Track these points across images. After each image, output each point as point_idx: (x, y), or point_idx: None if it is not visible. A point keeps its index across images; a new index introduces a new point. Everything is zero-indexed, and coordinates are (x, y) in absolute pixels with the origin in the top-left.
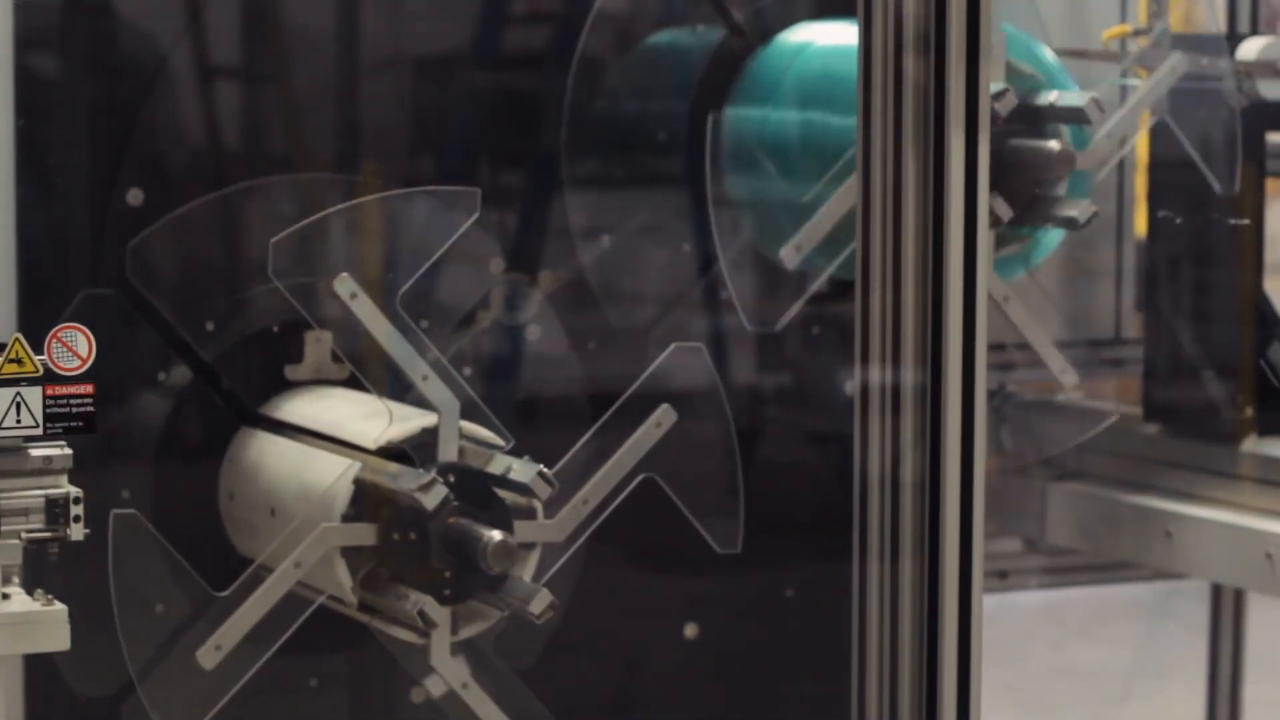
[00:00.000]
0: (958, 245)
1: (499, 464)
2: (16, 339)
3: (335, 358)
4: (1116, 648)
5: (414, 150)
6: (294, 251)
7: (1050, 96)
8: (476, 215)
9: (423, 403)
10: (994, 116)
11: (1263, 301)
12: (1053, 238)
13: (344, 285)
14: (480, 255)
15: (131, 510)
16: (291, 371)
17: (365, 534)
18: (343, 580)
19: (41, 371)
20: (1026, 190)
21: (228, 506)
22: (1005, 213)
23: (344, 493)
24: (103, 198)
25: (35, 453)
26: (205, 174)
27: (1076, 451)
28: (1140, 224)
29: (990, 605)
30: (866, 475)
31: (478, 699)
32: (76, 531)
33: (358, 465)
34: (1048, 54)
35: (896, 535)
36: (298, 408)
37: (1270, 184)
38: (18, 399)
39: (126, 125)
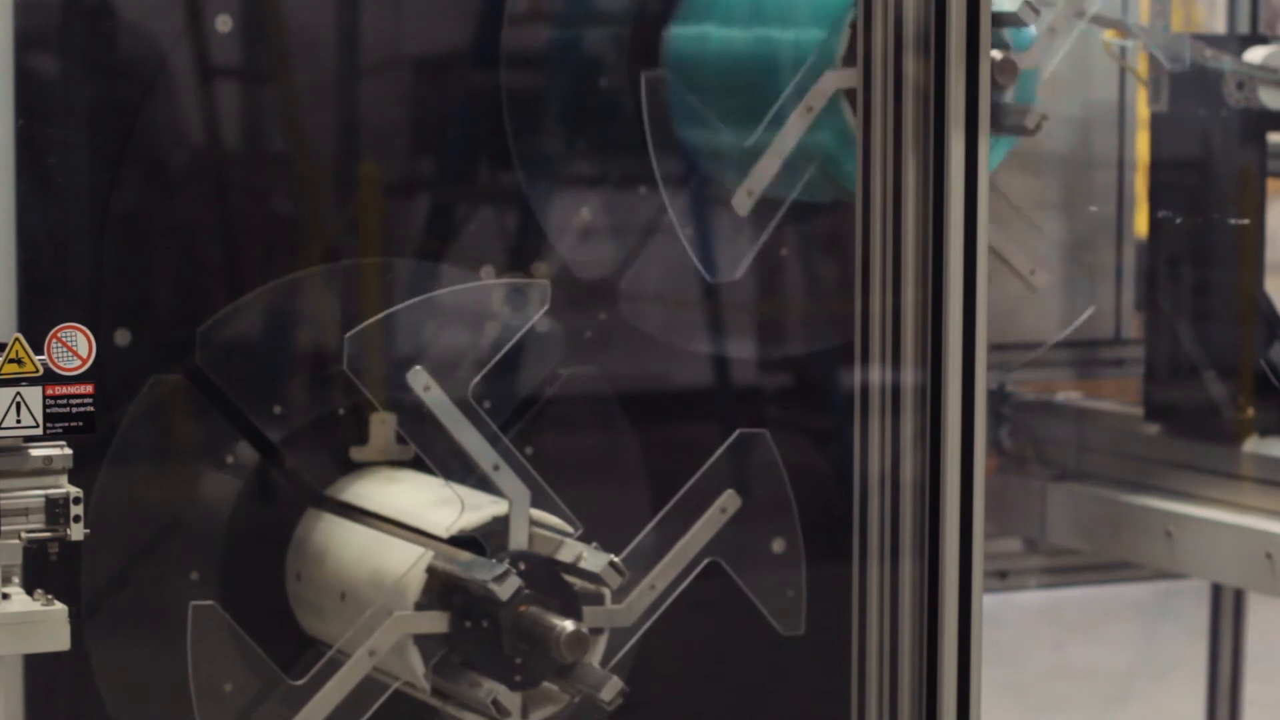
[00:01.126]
0: (958, 245)
1: (569, 551)
2: (16, 339)
3: (400, 439)
4: (1116, 648)
5: (414, 151)
6: (367, 343)
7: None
8: (546, 307)
9: (486, 484)
10: None
11: (1264, 301)
12: (1002, 146)
13: (417, 378)
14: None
15: (210, 602)
16: (357, 453)
17: (438, 622)
18: (416, 667)
19: (41, 371)
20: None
21: (295, 587)
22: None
23: (417, 581)
24: (103, 198)
25: (35, 453)
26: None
27: (1076, 451)
28: (1140, 224)
29: (990, 605)
30: (866, 475)
31: None
32: (76, 531)
33: (430, 554)
34: None
35: (896, 535)
36: (365, 491)
37: (1271, 184)
38: (18, 399)
39: (127, 125)
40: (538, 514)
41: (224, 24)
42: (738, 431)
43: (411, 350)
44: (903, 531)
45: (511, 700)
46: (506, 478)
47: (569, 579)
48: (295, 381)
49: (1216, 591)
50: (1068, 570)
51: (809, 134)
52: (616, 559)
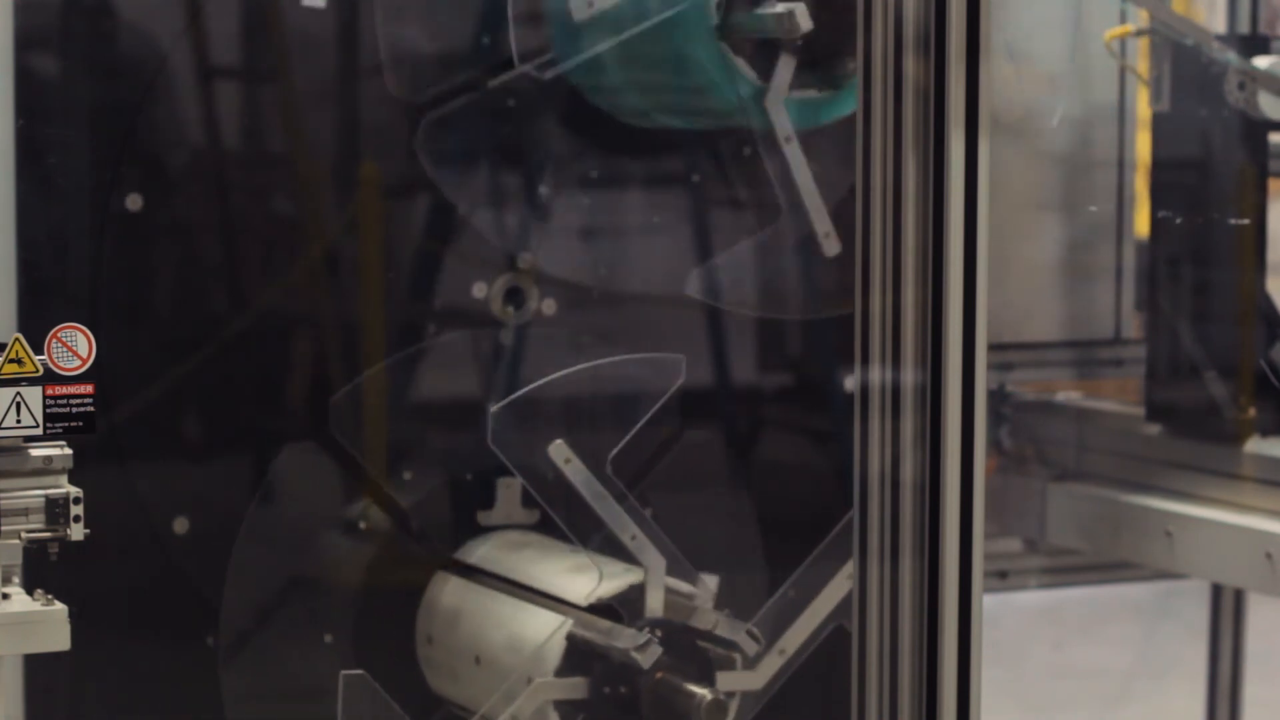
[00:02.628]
0: (958, 245)
1: (704, 619)
2: (16, 339)
3: (525, 503)
4: (1116, 648)
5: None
6: (512, 418)
7: None
8: (681, 380)
9: (609, 549)
10: None
11: (1265, 302)
12: (851, 99)
13: (559, 452)
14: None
15: (360, 671)
16: (484, 517)
17: (577, 688)
18: None
19: (41, 371)
20: (833, 34)
21: (426, 649)
22: (805, 20)
23: (558, 648)
24: (103, 198)
25: (35, 453)
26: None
27: (1076, 451)
28: (1141, 224)
29: (990, 605)
30: (866, 475)
31: None
32: (76, 531)
33: (569, 622)
34: None
35: (896, 535)
36: (494, 555)
37: (1272, 183)
38: (18, 399)
39: (126, 125)
40: (671, 581)
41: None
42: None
43: (548, 422)
44: (903, 531)
45: None
46: (643, 547)
47: (703, 645)
48: (424, 448)
49: (1216, 591)
50: (1068, 570)
51: (677, 45)
52: (753, 628)
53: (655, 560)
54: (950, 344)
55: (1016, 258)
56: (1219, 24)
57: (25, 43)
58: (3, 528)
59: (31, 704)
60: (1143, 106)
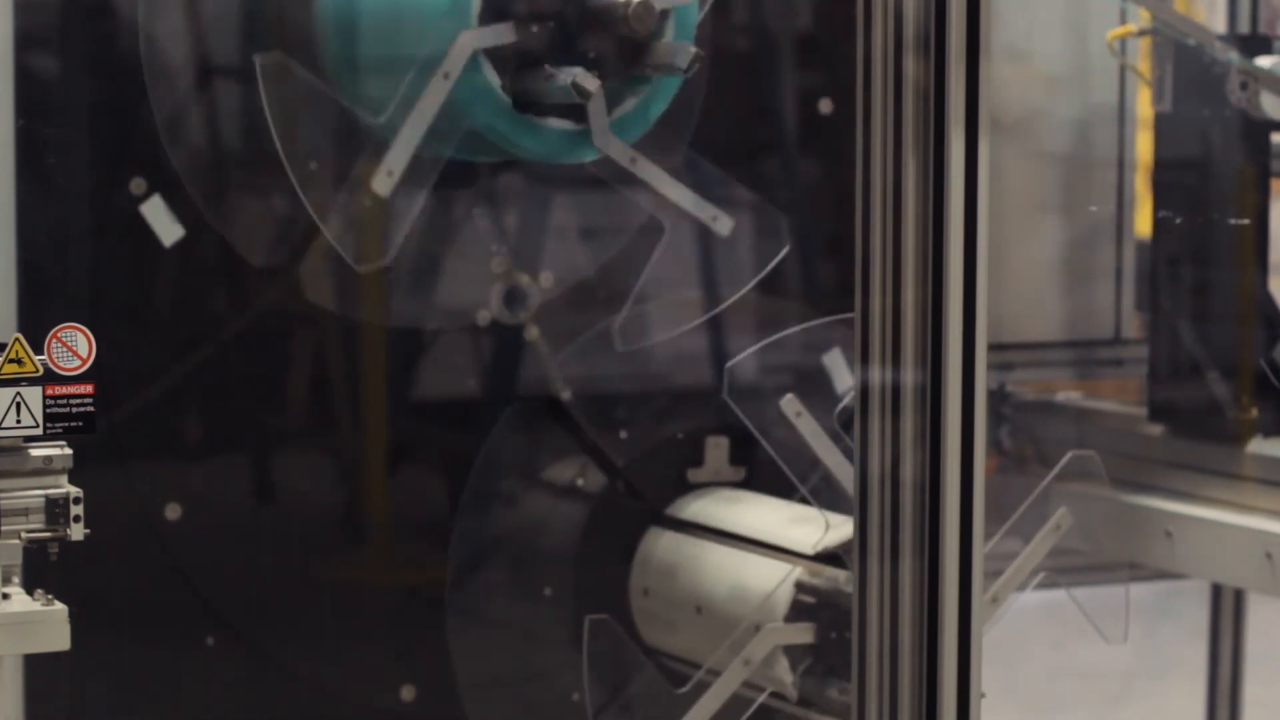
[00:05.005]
0: (958, 245)
1: None
2: (16, 339)
3: (732, 461)
4: (1117, 648)
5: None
6: (746, 371)
7: None
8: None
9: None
10: None
11: (1266, 302)
12: (669, 85)
13: (790, 405)
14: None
15: (605, 616)
16: (693, 474)
17: (805, 633)
18: (784, 676)
19: (41, 371)
20: (626, 41)
21: (641, 602)
22: (590, 82)
23: (785, 596)
24: (103, 197)
25: (35, 453)
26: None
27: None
28: (1142, 224)
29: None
30: (866, 475)
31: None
32: (76, 531)
33: (796, 570)
34: None
35: (896, 535)
36: (708, 510)
37: (1275, 184)
38: (18, 399)
39: (127, 124)
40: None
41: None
42: (1070, 454)
43: (772, 379)
44: (903, 531)
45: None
46: None
47: None
48: (638, 408)
49: (1216, 591)
50: (1068, 570)
51: (457, 96)
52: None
53: None
54: (950, 344)
55: (1017, 258)
56: (1219, 24)
57: (25, 43)
58: (3, 528)
59: (32, 704)
60: (1142, 106)
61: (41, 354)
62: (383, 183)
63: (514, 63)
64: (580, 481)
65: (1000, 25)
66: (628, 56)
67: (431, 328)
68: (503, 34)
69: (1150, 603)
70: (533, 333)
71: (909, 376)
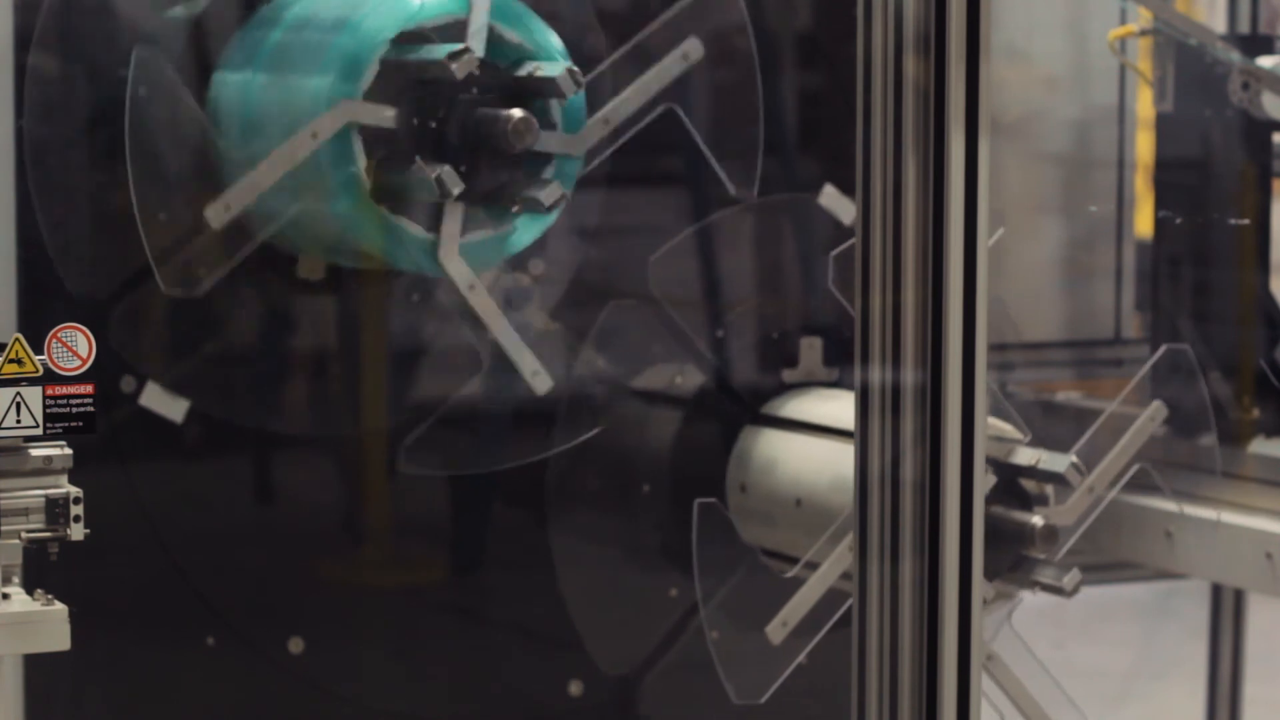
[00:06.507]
0: (958, 245)
1: (1024, 456)
2: (16, 339)
3: (826, 362)
4: (1116, 648)
5: None
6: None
7: (529, 67)
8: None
9: None
10: (450, 76)
11: (1268, 302)
12: (534, 226)
13: None
14: None
15: (713, 499)
16: (788, 374)
17: None
18: None
19: (41, 371)
20: (500, 158)
21: (738, 499)
22: (454, 183)
23: None
24: (104, 197)
25: (35, 453)
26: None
27: None
28: (1143, 224)
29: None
30: (866, 475)
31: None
32: (76, 531)
33: None
34: (542, 27)
35: (896, 535)
36: (805, 407)
37: (1275, 184)
38: (18, 399)
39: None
40: (993, 422)
41: None
42: (1165, 347)
43: None
44: (903, 531)
45: (987, 589)
46: None
47: (1023, 482)
48: (734, 308)
49: (1216, 591)
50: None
51: (324, 199)
52: (1077, 459)
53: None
54: (950, 344)
55: (1016, 258)
56: (1219, 24)
57: (25, 43)
58: (3, 528)
59: (32, 703)
60: (1143, 106)
61: (41, 354)
62: (218, 215)
63: (384, 150)
64: (678, 379)
65: (1000, 25)
66: (500, 177)
67: None
68: (383, 115)
69: (1150, 603)
70: None
71: (909, 376)
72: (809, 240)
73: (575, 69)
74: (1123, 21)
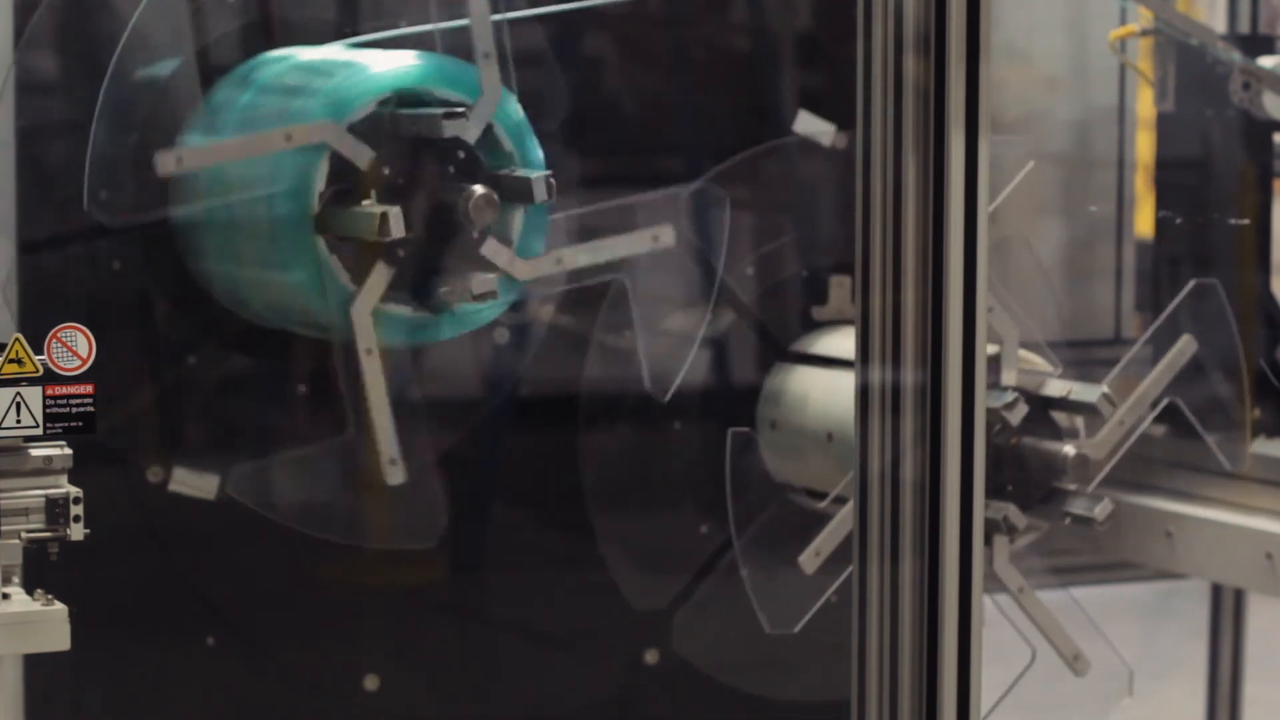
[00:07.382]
0: (958, 245)
1: (1054, 388)
2: (16, 339)
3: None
4: (1116, 648)
5: None
6: None
7: (508, 169)
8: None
9: None
10: (438, 131)
11: (1268, 302)
12: (455, 325)
13: None
14: None
15: (747, 429)
16: (818, 312)
17: None
18: None
19: (41, 371)
20: (459, 233)
21: (769, 435)
22: (398, 227)
23: None
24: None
25: (35, 453)
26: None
27: None
28: (1143, 224)
29: (990, 605)
30: (866, 475)
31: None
32: (76, 531)
33: None
34: (535, 146)
35: (896, 535)
36: (834, 344)
37: (1276, 184)
38: (18, 399)
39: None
40: (1024, 354)
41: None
42: (1193, 282)
43: None
44: (903, 531)
45: (1019, 519)
46: (1000, 319)
47: (1053, 414)
48: (762, 245)
49: (1216, 591)
50: (1068, 570)
51: (269, 205)
52: (1108, 390)
53: (1010, 333)
54: (950, 344)
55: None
56: (1219, 24)
57: (25, 43)
58: (3, 528)
59: (32, 703)
60: (1143, 106)
61: (41, 354)
62: (165, 163)
63: (345, 185)
64: (708, 316)
65: (1000, 25)
66: (441, 258)
67: None
68: (360, 153)
69: (1150, 603)
70: None
71: (909, 376)
72: (837, 179)
73: (552, 180)
74: (1123, 21)
